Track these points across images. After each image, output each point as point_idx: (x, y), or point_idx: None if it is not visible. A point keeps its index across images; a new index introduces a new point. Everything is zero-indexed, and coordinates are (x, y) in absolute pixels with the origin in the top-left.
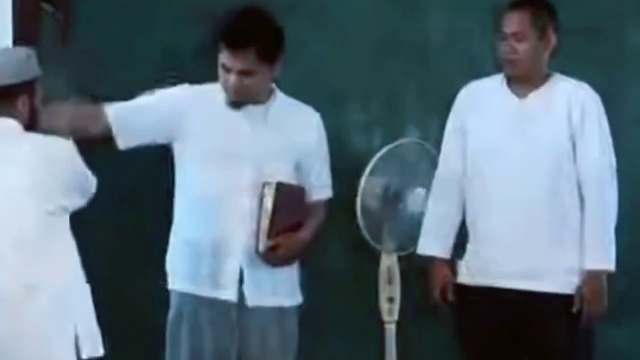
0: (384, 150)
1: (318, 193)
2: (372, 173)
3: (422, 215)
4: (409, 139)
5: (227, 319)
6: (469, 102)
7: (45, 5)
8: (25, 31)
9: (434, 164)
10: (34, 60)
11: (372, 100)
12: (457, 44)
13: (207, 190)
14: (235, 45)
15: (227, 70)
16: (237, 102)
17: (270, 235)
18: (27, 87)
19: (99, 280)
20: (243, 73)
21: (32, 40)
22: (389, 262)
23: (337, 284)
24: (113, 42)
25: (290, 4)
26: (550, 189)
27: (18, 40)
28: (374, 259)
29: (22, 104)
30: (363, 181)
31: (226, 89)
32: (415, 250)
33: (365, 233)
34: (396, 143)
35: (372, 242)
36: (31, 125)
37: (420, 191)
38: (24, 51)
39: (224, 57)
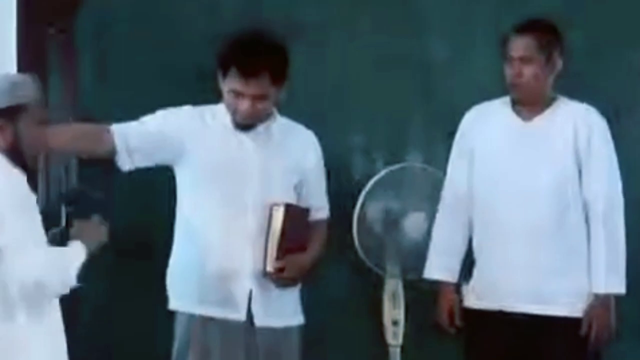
0: (382, 173)
1: (317, 213)
2: (371, 197)
3: (423, 238)
4: (409, 163)
5: (236, 339)
6: (475, 125)
7: (50, 29)
8: (29, 56)
9: (435, 187)
10: (23, 87)
11: (374, 122)
12: (461, 65)
13: (212, 210)
14: (250, 72)
15: (238, 95)
16: (245, 124)
17: (278, 257)
18: (5, 113)
19: (98, 304)
20: (256, 97)
21: (37, 64)
22: (393, 286)
23: (341, 306)
24: (117, 61)
25: (292, 26)
26: (556, 212)
27: (22, 65)
28: (379, 280)
29: (1, 129)
30: (358, 205)
31: (235, 113)
32: (419, 274)
33: (363, 256)
34: (395, 166)
35: (373, 266)
36: (15, 149)
37: (418, 215)
38: (11, 78)
39: (235, 83)
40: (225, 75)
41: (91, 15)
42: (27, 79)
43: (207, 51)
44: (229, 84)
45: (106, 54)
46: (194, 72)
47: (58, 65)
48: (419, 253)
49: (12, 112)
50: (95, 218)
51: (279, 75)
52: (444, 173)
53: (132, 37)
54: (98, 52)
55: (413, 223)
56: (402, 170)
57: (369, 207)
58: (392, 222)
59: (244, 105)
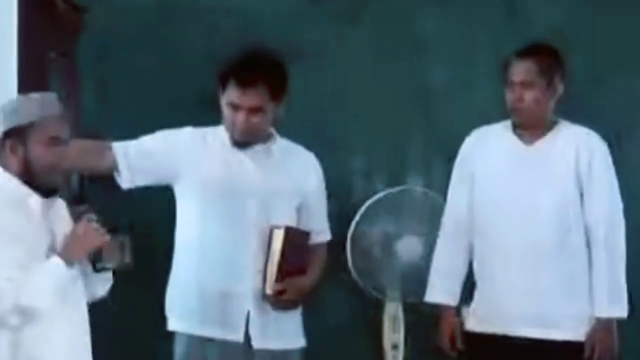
0: (380, 195)
1: (318, 236)
2: (368, 219)
3: (419, 262)
4: (409, 186)
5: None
6: (475, 149)
7: (51, 53)
8: (30, 79)
9: (434, 211)
10: (28, 105)
11: (374, 145)
12: (461, 89)
13: (211, 232)
14: (247, 82)
15: (235, 108)
16: (243, 141)
17: (277, 279)
18: (14, 133)
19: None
20: (252, 110)
21: (38, 88)
22: (392, 309)
23: (340, 329)
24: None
25: (292, 48)
26: (557, 236)
27: (24, 88)
28: (379, 304)
29: (10, 149)
30: (352, 227)
31: (232, 128)
32: (419, 297)
33: (356, 277)
34: (395, 189)
35: (369, 289)
36: (28, 169)
37: (412, 239)
38: (21, 97)
39: (233, 95)
40: (224, 88)
41: (92, 38)
42: (36, 96)
43: (208, 74)
44: (227, 97)
45: (107, 77)
46: (194, 95)
47: (59, 88)
48: (416, 276)
49: (19, 132)
50: (91, 217)
51: (276, 89)
52: (444, 197)
53: (133, 60)
54: (99, 76)
55: (407, 246)
56: (402, 193)
57: (365, 229)
58: (388, 245)
59: (240, 117)
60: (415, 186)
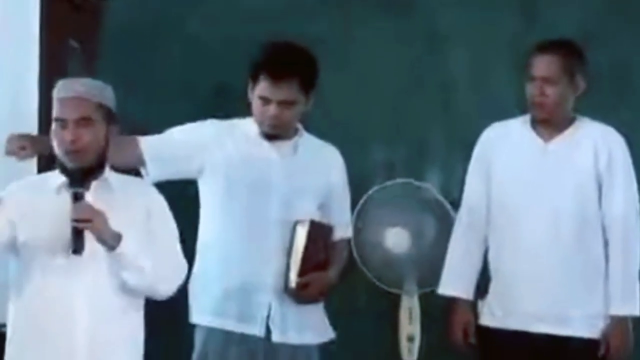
0: (371, 191)
1: (341, 231)
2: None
3: (405, 254)
4: (400, 180)
5: (254, 354)
6: (494, 143)
7: (72, 42)
8: (51, 67)
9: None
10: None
11: (394, 141)
12: (481, 84)
13: (235, 224)
14: (279, 75)
15: (266, 101)
16: (272, 134)
17: (300, 273)
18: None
19: None
20: (283, 103)
21: (59, 76)
22: (409, 302)
23: (355, 322)
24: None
25: (313, 44)
26: (574, 232)
27: (44, 76)
28: (394, 296)
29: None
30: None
31: (263, 121)
32: (433, 289)
33: (363, 269)
34: (386, 184)
35: (375, 280)
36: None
37: (398, 231)
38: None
39: (264, 89)
40: (255, 82)
41: (113, 31)
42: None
43: (226, 68)
44: (258, 91)
45: (127, 70)
46: (212, 88)
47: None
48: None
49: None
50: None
51: (307, 83)
52: (462, 190)
53: (152, 53)
54: (119, 68)
55: (394, 239)
56: (392, 187)
57: (363, 223)
58: (379, 237)
59: (271, 110)
60: (403, 179)
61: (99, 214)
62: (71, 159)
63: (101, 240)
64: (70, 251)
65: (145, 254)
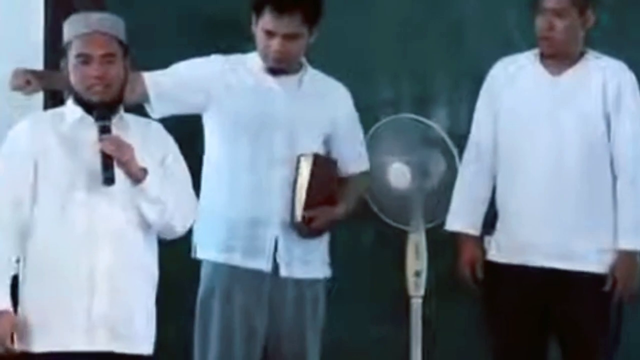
0: (373, 128)
1: (355, 165)
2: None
3: (408, 190)
4: (404, 115)
5: (260, 288)
6: (501, 79)
7: None
8: (57, 7)
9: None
10: (68, 26)
11: (401, 77)
12: (489, 20)
13: (240, 160)
14: (283, 8)
15: (270, 35)
16: (277, 68)
17: (306, 207)
18: (62, 53)
19: None
20: (287, 36)
21: (65, 8)
22: (415, 237)
23: (362, 257)
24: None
25: None
26: (583, 167)
27: (50, 9)
28: (400, 231)
29: (62, 68)
30: None
31: (267, 54)
32: (440, 222)
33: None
34: (385, 120)
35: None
36: (71, 87)
37: (398, 166)
38: (67, 20)
39: (268, 22)
40: (258, 16)
41: None
42: (73, 17)
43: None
44: (262, 24)
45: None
46: (221, 19)
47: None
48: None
49: (64, 52)
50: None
51: (311, 16)
52: (470, 126)
53: None
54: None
55: (396, 174)
56: (392, 122)
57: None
58: (381, 173)
59: (276, 44)
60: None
61: (128, 146)
62: (96, 93)
63: (129, 172)
64: (102, 182)
65: (166, 192)
